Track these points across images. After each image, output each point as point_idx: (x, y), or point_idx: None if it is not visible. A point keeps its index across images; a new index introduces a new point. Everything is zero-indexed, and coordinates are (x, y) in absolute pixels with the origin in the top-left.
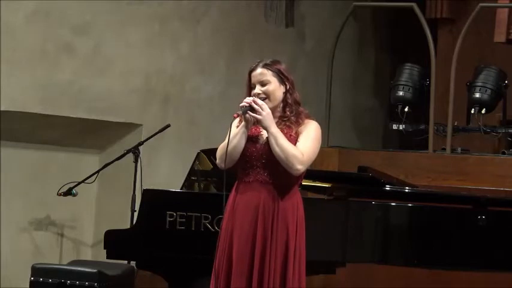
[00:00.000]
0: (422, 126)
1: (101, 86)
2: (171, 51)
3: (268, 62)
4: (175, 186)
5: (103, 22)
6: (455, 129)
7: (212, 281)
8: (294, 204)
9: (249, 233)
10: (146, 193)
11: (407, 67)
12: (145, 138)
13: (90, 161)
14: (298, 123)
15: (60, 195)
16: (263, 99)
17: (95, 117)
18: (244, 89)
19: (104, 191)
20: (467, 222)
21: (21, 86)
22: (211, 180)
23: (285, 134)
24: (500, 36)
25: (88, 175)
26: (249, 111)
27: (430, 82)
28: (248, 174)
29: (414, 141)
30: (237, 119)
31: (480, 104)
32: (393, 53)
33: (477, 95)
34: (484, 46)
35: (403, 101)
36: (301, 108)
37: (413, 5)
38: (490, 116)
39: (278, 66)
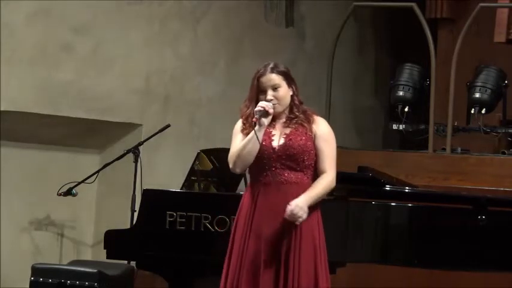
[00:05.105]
0: (422, 126)
1: (101, 86)
2: (171, 51)
3: (273, 65)
4: (175, 186)
5: (103, 22)
6: (455, 129)
7: (223, 283)
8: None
9: (276, 234)
10: (146, 193)
11: (407, 67)
12: (145, 138)
13: (90, 161)
14: (309, 120)
15: (60, 195)
16: (274, 105)
17: (95, 117)
18: (244, 90)
19: (104, 191)
20: (467, 222)
21: (21, 86)
22: (211, 180)
23: (301, 132)
24: (500, 36)
25: (88, 175)
26: (262, 117)
27: (430, 82)
28: (267, 175)
29: (414, 141)
30: (240, 123)
31: (480, 104)
32: (393, 53)
33: (477, 95)
34: (484, 46)
35: (403, 101)
36: (304, 107)
37: (413, 5)
38: (490, 116)
39: (284, 69)
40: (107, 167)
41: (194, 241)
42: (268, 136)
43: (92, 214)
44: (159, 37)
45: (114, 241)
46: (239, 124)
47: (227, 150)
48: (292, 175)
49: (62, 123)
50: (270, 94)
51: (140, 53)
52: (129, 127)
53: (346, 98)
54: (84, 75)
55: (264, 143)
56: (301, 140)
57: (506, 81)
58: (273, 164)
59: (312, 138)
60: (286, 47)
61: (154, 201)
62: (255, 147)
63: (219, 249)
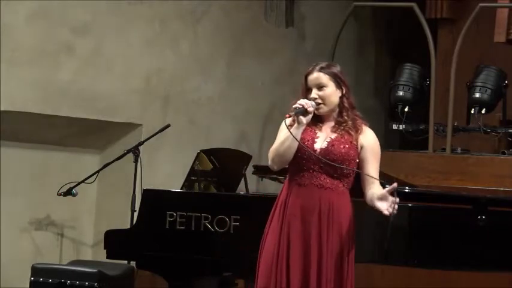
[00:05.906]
0: (422, 126)
1: (101, 86)
2: (171, 51)
3: (324, 65)
4: (175, 186)
5: (103, 22)
6: (455, 129)
7: (259, 282)
8: (347, 208)
9: (305, 236)
10: (146, 193)
11: (407, 67)
12: (145, 138)
13: (90, 161)
14: (357, 129)
15: (60, 195)
16: (318, 104)
17: (95, 117)
18: (244, 89)
19: (104, 191)
20: (467, 222)
21: (21, 86)
22: (211, 180)
23: (345, 140)
24: (500, 36)
25: (88, 175)
26: (301, 115)
27: (430, 82)
28: (303, 176)
29: (414, 141)
30: (289, 119)
31: (480, 104)
32: (393, 53)
33: (477, 95)
34: (484, 46)
35: (403, 101)
36: (356, 113)
37: (414, 5)
38: (490, 116)
39: (334, 70)
40: (107, 167)
41: (194, 241)
42: (311, 137)
43: (92, 214)
44: (159, 37)
45: (114, 241)
46: (286, 121)
47: (227, 150)
48: (328, 180)
49: (62, 123)
50: (314, 93)
51: (140, 53)
52: (129, 127)
53: None
54: (84, 75)
55: (305, 143)
56: (343, 148)
57: (506, 81)
58: (311, 166)
59: (356, 148)
60: (286, 47)
61: (154, 201)
62: (293, 145)
63: (219, 249)
